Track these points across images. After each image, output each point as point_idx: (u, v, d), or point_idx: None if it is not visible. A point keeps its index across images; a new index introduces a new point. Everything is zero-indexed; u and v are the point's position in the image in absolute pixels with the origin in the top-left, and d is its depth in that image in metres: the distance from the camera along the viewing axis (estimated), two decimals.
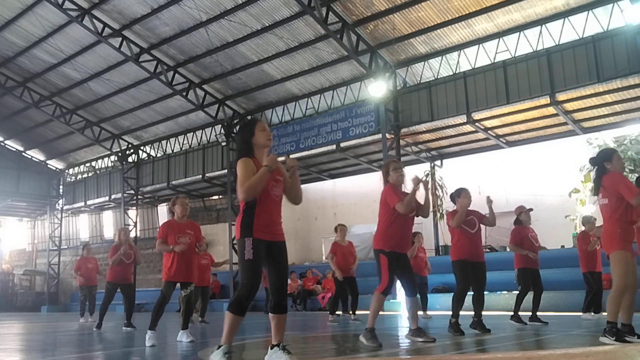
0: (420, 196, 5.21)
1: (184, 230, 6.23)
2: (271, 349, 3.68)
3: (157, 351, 5.38)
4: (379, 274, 5.12)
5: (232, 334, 3.62)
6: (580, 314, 8.61)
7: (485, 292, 6.52)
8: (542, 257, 7.93)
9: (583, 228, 8.92)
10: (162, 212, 24.74)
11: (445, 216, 15.59)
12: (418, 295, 9.84)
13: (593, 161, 4.90)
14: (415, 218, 5.32)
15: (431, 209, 16.32)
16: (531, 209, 7.90)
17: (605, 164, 4.76)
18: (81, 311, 12.56)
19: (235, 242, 3.84)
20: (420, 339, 5.07)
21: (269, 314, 3.77)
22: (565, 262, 11.73)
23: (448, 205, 15.03)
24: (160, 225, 6.45)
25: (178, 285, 6.17)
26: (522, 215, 7.75)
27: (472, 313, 6.38)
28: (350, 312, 9.78)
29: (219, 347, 3.58)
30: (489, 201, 6.35)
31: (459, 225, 6.28)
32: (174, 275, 6.07)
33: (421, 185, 5.10)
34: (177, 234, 6.16)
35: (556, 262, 12.00)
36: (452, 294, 6.42)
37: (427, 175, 17.03)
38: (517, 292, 7.68)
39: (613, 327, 4.50)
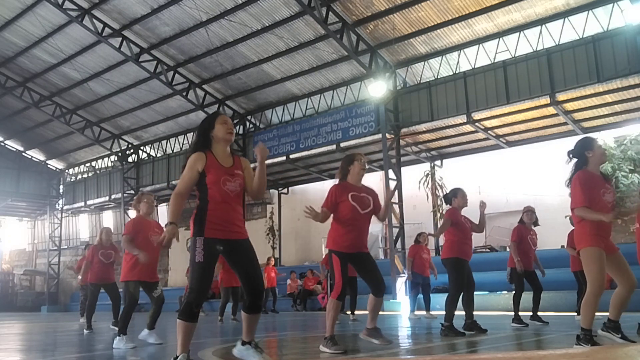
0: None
1: (152, 228, 5.92)
2: (242, 345, 3.61)
3: (157, 351, 5.37)
4: (331, 276, 4.87)
5: (187, 341, 3.46)
6: (575, 316, 8.59)
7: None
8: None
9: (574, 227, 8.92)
10: (162, 212, 24.68)
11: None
12: (426, 297, 10.04)
13: (573, 152, 4.46)
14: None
15: (430, 209, 16.39)
16: (533, 211, 7.89)
17: (586, 153, 4.36)
18: (81, 311, 12.54)
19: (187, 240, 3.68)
20: (376, 341, 4.77)
21: (242, 313, 3.63)
22: (565, 262, 11.62)
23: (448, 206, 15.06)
24: (126, 222, 6.03)
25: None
26: (523, 216, 7.75)
27: (463, 314, 6.30)
28: (348, 312, 9.79)
29: (176, 357, 3.42)
30: (482, 205, 6.25)
31: (439, 235, 6.22)
32: (139, 274, 5.77)
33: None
34: (148, 232, 5.84)
35: (556, 262, 11.99)
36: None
37: (427, 176, 17.05)
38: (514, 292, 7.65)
39: (587, 334, 4.07)
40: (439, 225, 16.56)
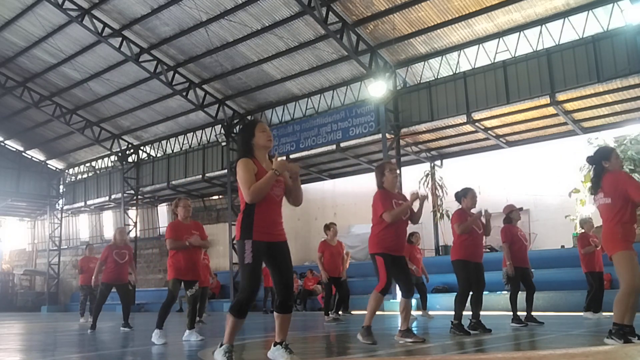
0: (415, 205, 5.30)
1: (189, 230, 6.30)
2: (274, 346, 3.74)
3: (158, 351, 5.37)
4: (377, 275, 5.17)
5: (233, 334, 3.68)
6: (582, 313, 8.66)
7: (484, 293, 6.53)
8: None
9: (582, 229, 8.99)
10: (162, 212, 24.74)
11: (445, 216, 15.69)
12: (418, 296, 10.07)
13: (591, 160, 4.82)
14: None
15: (430, 209, 16.41)
16: (521, 208, 7.92)
17: (603, 163, 4.69)
18: (81, 311, 12.56)
19: (235, 242, 3.89)
20: (410, 340, 5.12)
21: (274, 312, 3.81)
22: (565, 262, 11.73)
23: (448, 205, 15.05)
24: (166, 227, 6.47)
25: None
26: (512, 214, 7.74)
27: (469, 314, 6.35)
28: (337, 312, 9.79)
29: (221, 345, 3.63)
30: (487, 215, 6.36)
31: (464, 232, 6.23)
32: (182, 273, 6.15)
33: (417, 201, 5.19)
34: (185, 235, 6.21)
35: (556, 262, 12.01)
36: (452, 294, 6.41)
37: (427, 176, 17.04)
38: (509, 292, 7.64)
39: (620, 329, 4.38)
40: (438, 225, 16.63)
